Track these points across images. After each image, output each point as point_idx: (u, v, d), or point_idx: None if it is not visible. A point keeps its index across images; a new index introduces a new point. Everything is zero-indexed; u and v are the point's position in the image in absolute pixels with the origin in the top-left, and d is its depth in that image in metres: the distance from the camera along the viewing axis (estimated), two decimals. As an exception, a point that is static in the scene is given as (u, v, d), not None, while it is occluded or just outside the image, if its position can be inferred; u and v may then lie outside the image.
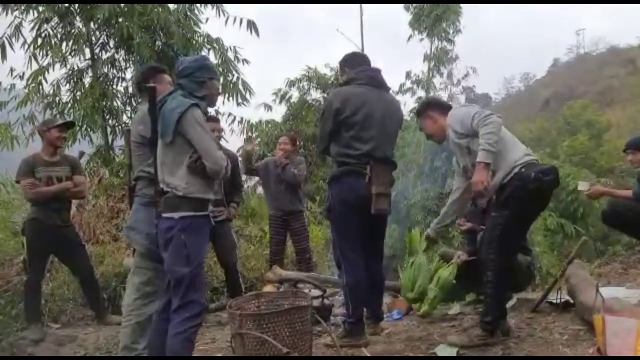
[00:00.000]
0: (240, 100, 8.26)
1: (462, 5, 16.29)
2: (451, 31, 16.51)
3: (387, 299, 4.50)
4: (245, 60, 8.38)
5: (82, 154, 5.16)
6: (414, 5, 16.25)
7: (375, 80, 3.64)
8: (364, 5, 14.53)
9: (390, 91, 3.92)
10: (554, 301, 3.87)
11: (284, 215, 5.79)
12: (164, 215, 2.66)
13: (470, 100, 17.58)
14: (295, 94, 14.32)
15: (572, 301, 3.69)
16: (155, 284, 3.05)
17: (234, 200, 5.05)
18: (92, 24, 7.68)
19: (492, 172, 3.11)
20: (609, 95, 44.29)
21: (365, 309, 3.63)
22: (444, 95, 17.57)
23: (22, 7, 7.32)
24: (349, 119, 3.48)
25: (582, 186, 5.47)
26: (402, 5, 16.76)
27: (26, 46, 7.44)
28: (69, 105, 7.80)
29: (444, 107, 3.53)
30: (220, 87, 3.21)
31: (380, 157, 3.51)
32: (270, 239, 5.98)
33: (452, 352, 3.07)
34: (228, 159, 2.79)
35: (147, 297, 3.08)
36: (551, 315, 3.69)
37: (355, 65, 3.69)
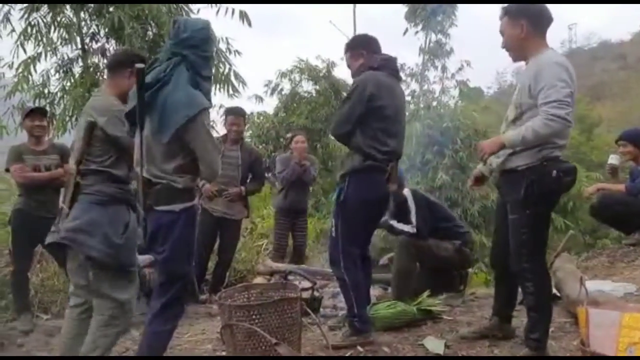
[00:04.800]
0: (231, 92, 8.22)
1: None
2: (446, 25, 16.50)
3: (376, 292, 4.52)
4: (237, 52, 8.35)
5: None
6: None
7: (397, 72, 3.45)
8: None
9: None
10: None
11: (293, 212, 5.91)
12: (160, 208, 2.44)
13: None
14: (286, 86, 14.31)
15: (558, 294, 3.73)
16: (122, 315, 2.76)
17: (250, 188, 5.24)
18: (82, 13, 7.61)
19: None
20: (600, 90, 44.50)
21: None
22: (436, 89, 17.57)
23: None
24: (382, 110, 3.16)
25: (613, 159, 5.15)
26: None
27: (14, 34, 7.36)
28: (59, 95, 7.75)
29: (542, 26, 2.82)
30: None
31: (400, 154, 3.35)
32: (276, 234, 6.05)
33: (440, 344, 3.11)
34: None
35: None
36: (538, 308, 3.72)
37: (377, 51, 3.36)
